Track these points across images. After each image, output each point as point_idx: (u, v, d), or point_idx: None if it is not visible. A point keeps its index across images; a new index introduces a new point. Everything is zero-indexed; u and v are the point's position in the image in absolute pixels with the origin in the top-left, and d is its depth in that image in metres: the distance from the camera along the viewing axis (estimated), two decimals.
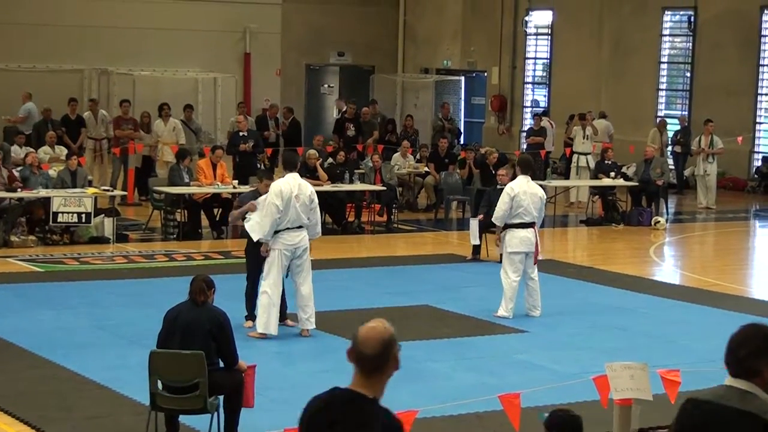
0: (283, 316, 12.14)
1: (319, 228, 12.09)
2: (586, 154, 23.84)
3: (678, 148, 25.95)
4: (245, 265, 12.45)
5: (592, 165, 23.30)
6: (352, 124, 25.19)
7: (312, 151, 20.00)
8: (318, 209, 12.07)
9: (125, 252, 16.88)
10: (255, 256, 12.04)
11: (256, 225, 11.91)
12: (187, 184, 18.42)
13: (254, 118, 25.13)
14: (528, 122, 30.33)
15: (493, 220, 13.52)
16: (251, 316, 12.14)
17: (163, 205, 18.52)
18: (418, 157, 23.29)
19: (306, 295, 11.87)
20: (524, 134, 28.44)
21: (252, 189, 12.64)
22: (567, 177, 24.67)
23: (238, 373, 8.41)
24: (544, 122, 26.13)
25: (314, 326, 11.97)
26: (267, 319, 11.72)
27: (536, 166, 19.45)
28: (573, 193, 23.80)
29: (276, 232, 11.66)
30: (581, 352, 11.60)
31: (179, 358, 8.15)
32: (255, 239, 11.87)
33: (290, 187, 11.67)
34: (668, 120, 26.76)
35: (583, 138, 23.98)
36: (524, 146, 26.66)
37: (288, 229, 11.67)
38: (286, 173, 11.90)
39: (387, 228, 20.04)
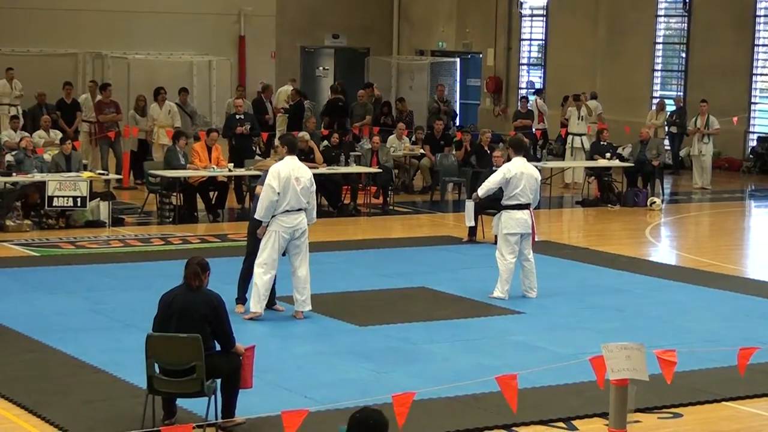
0: (272, 302, 12.11)
1: (314, 213, 12.03)
2: (580, 134, 23.83)
3: (673, 129, 25.95)
4: (246, 246, 12.39)
5: (587, 146, 23.29)
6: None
7: (302, 134, 19.94)
8: (315, 194, 12.04)
9: (121, 236, 16.86)
10: (257, 237, 12.00)
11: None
12: (184, 167, 18.39)
13: (250, 101, 25.06)
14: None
15: (478, 189, 13.45)
16: (242, 299, 12.10)
17: (158, 188, 18.50)
18: (413, 139, 23.27)
19: (303, 278, 11.86)
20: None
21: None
22: (563, 158, 24.68)
23: (235, 357, 8.41)
24: (539, 102, 26.18)
25: (310, 308, 11.97)
26: (257, 297, 11.72)
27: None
28: (568, 174, 23.80)
29: (275, 215, 11.65)
30: (577, 333, 11.62)
31: (176, 342, 8.15)
32: (254, 216, 11.83)
33: (289, 170, 11.65)
34: (665, 100, 26.72)
35: (578, 119, 23.97)
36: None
37: (287, 211, 11.66)
38: (288, 156, 11.86)
39: (383, 210, 20.04)
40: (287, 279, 11.96)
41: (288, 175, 11.59)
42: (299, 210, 11.72)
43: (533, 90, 30.04)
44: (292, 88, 26.10)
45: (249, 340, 9.07)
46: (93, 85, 23.54)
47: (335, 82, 28.09)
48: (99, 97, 22.31)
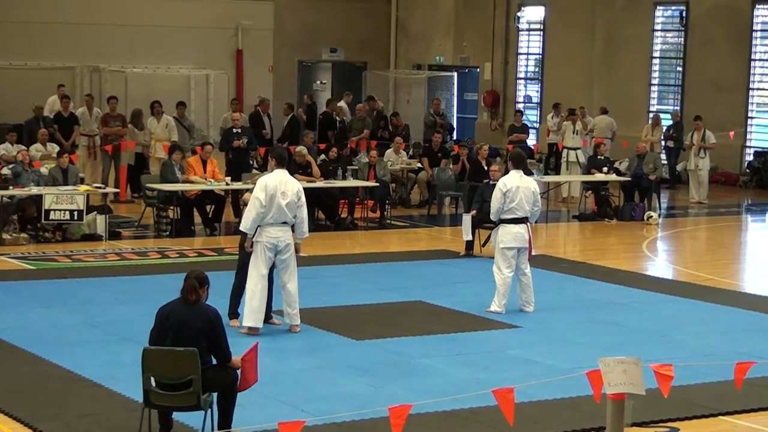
0: (268, 316, 12.08)
1: (306, 227, 11.97)
2: (575, 149, 23.87)
3: (670, 143, 25.99)
4: (237, 260, 12.39)
5: (582, 160, 23.32)
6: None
7: (299, 149, 19.93)
8: (305, 207, 11.99)
9: (118, 249, 16.85)
10: (248, 251, 11.99)
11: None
12: (179, 180, 18.37)
13: (247, 115, 25.04)
14: (529, 118, 30.32)
15: (490, 216, 13.53)
16: (234, 313, 12.07)
17: (155, 202, 18.49)
18: (410, 153, 23.26)
19: (292, 292, 11.85)
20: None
21: None
22: (558, 172, 24.72)
23: (231, 371, 8.40)
24: (553, 117, 26.32)
25: (299, 321, 11.94)
26: (250, 311, 11.70)
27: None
28: (565, 189, 23.82)
29: (260, 225, 11.66)
30: (574, 347, 11.61)
31: (172, 355, 8.14)
32: (240, 229, 11.87)
33: (276, 182, 11.67)
34: (660, 115, 26.76)
35: (573, 133, 24.02)
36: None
37: (271, 224, 11.68)
38: (277, 169, 11.88)
39: (380, 224, 20.02)
40: (279, 293, 11.95)
41: (274, 189, 11.62)
42: (283, 223, 11.73)
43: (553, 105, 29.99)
44: (345, 102, 26.24)
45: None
46: (89, 99, 23.46)
47: (305, 96, 28.18)
48: (96, 110, 22.35)
